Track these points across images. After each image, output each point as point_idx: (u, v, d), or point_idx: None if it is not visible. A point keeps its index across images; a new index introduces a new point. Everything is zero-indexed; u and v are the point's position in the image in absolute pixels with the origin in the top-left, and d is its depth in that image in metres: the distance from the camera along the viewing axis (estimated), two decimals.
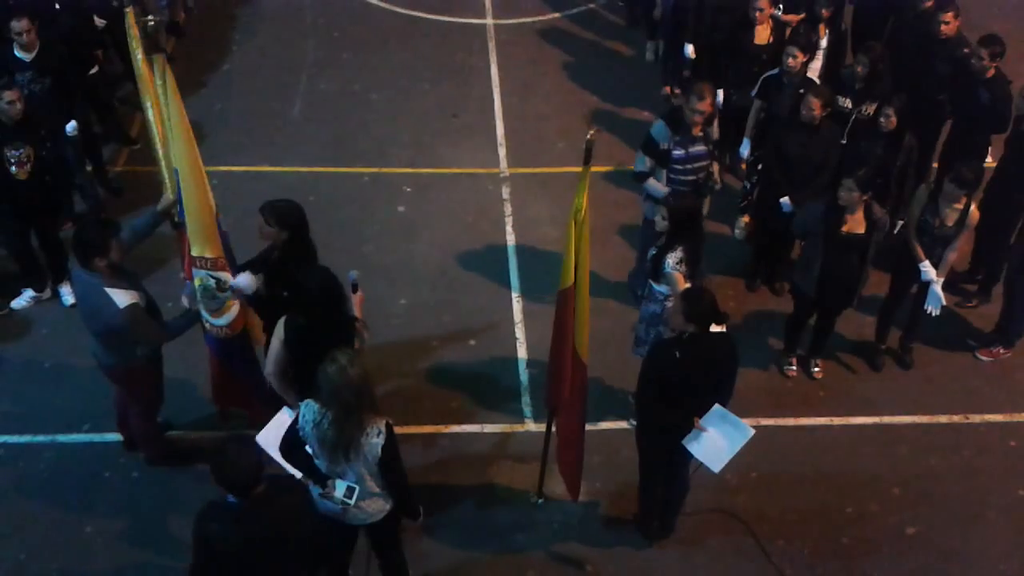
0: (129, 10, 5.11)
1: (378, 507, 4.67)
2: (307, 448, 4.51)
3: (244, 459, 4.07)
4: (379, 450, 4.39)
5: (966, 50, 7.22)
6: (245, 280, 5.16)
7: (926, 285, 6.42)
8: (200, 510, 4.20)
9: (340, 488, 4.49)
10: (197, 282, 5.31)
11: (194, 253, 5.24)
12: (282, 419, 5.00)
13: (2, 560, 5.53)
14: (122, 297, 4.98)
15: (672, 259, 5.65)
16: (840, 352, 6.97)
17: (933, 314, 6.46)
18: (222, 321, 5.44)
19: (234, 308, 5.43)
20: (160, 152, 5.35)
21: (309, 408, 4.42)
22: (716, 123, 6.64)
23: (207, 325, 5.49)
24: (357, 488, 4.50)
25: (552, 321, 5.19)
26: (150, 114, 5.31)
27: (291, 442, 4.53)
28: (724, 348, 5.06)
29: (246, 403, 5.78)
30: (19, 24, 6.76)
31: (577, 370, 5.20)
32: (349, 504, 4.51)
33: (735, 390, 5.20)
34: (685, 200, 5.72)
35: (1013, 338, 6.94)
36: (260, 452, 4.29)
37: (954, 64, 7.28)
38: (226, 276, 5.26)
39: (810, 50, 7.46)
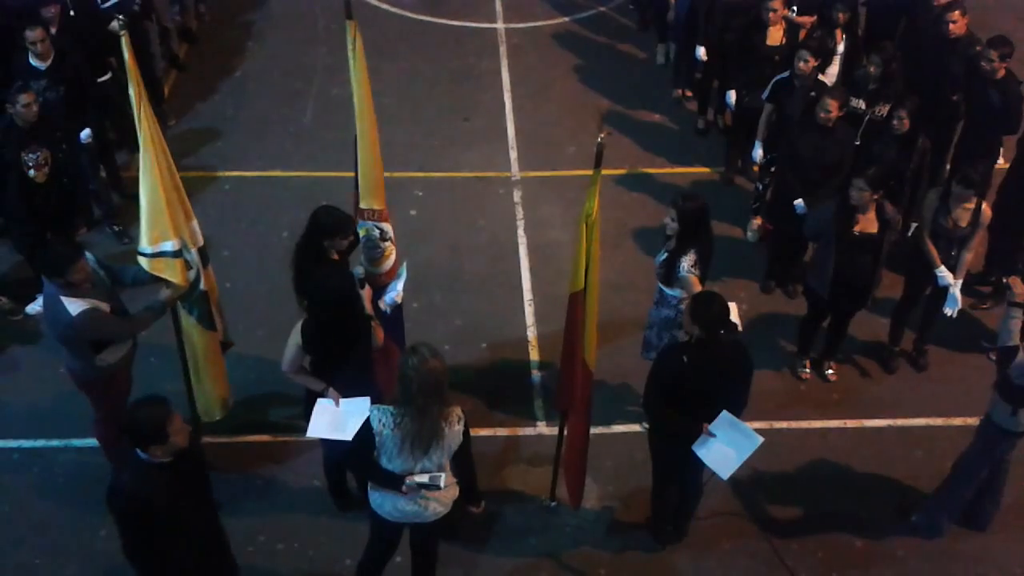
0: (124, 34, 5.11)
1: (452, 495, 4.74)
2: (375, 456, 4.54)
3: (152, 414, 4.24)
4: (461, 436, 4.51)
5: (978, 48, 7.19)
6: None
7: (942, 288, 6.39)
8: (120, 481, 4.31)
9: (425, 476, 4.50)
10: (362, 232, 5.62)
11: (362, 206, 5.58)
12: (323, 406, 5.10)
13: (17, 564, 5.57)
14: (75, 305, 5.05)
15: (687, 262, 5.62)
16: (854, 354, 6.94)
17: (951, 316, 6.42)
18: (381, 269, 5.74)
19: (391, 256, 5.76)
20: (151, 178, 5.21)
21: (384, 412, 4.43)
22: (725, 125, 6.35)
23: (363, 276, 5.69)
24: (443, 474, 4.52)
25: (564, 324, 5.19)
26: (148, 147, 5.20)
27: (363, 451, 4.55)
28: (735, 356, 5.02)
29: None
30: (33, 33, 6.82)
31: (584, 376, 5.19)
32: (440, 487, 4.52)
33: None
34: (694, 201, 5.69)
35: None
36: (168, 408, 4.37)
37: (966, 63, 7.25)
38: (388, 227, 5.66)
39: (824, 55, 7.44)
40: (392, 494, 4.62)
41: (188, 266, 5.39)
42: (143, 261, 5.29)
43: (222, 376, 5.96)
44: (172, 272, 5.28)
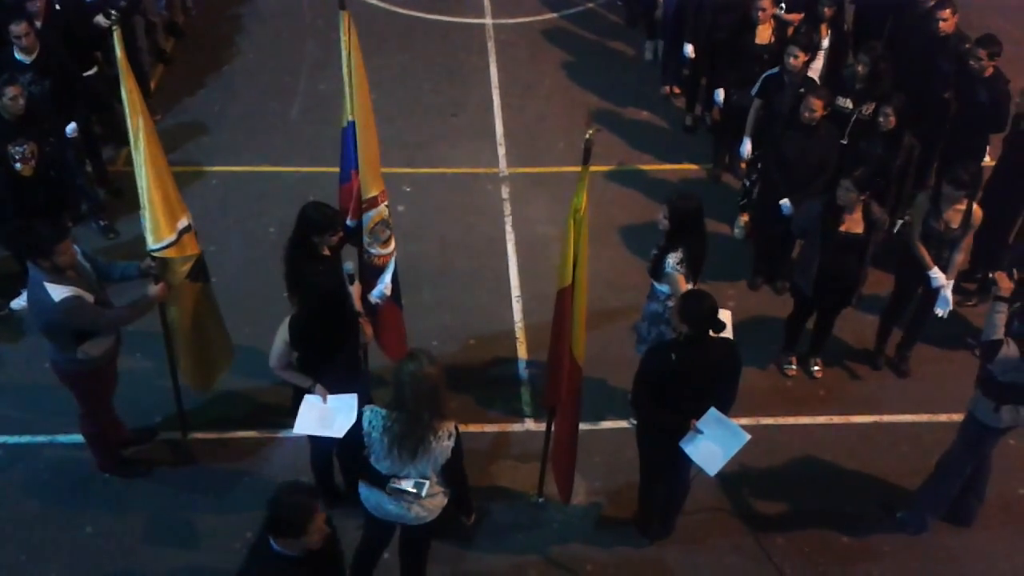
0: (116, 30, 5.09)
1: (438, 503, 4.72)
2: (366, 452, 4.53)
3: (302, 504, 3.89)
4: (449, 452, 4.48)
5: (967, 46, 7.22)
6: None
7: (934, 289, 6.40)
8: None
9: (410, 482, 4.51)
10: (377, 218, 5.68)
11: (373, 193, 5.65)
12: (310, 403, 5.10)
13: (2, 561, 5.53)
14: (59, 291, 5.02)
15: (673, 259, 5.64)
16: (840, 352, 6.97)
17: (942, 317, 6.45)
18: (389, 249, 5.82)
19: (392, 235, 5.88)
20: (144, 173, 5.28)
21: (375, 414, 4.44)
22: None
23: (376, 260, 5.75)
24: (426, 483, 4.53)
25: (552, 320, 5.19)
26: (140, 136, 5.20)
27: (352, 446, 4.58)
28: (723, 353, 5.03)
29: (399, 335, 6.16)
30: (18, 27, 6.78)
31: (572, 372, 5.19)
32: (421, 496, 4.53)
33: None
34: (688, 200, 5.70)
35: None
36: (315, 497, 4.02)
37: (956, 61, 7.28)
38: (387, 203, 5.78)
39: (811, 50, 7.46)
40: (377, 492, 4.63)
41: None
42: (163, 252, 5.33)
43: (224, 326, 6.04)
44: (192, 245, 5.49)
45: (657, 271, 5.76)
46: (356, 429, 4.50)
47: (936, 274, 6.31)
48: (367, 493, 4.72)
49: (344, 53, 5.35)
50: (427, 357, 4.36)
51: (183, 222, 5.43)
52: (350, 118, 5.55)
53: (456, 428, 4.52)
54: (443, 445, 4.47)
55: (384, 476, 4.52)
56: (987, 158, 7.50)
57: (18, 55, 6.88)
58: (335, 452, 5.45)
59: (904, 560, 5.77)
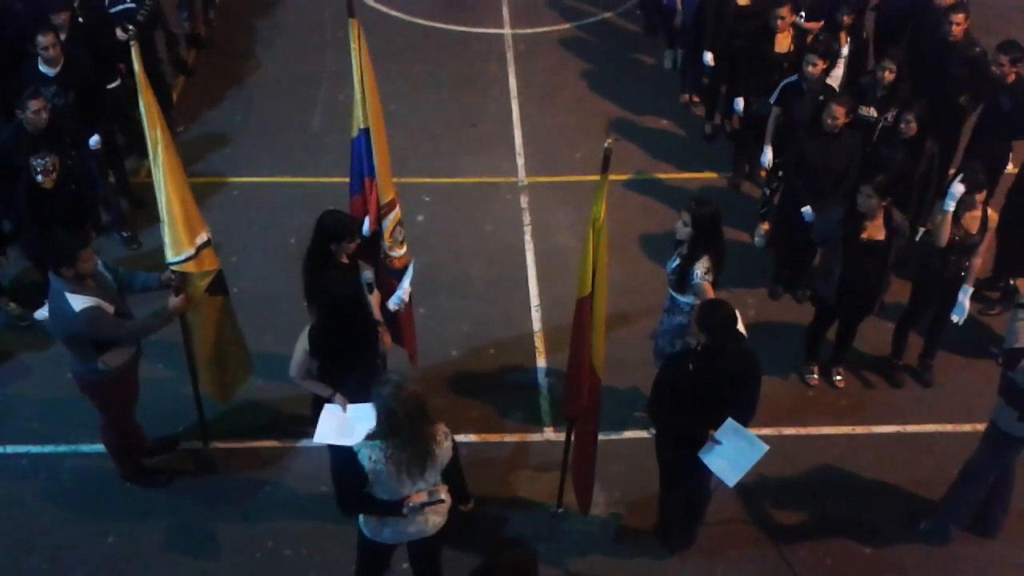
0: (134, 44, 5.14)
1: (447, 504, 4.73)
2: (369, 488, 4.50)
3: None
4: (451, 451, 4.54)
5: (977, 49, 7.17)
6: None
7: (951, 298, 6.35)
8: None
9: (424, 494, 4.51)
10: (395, 220, 5.76)
11: (390, 197, 5.72)
12: (330, 412, 5.13)
13: (25, 570, 5.57)
14: (80, 301, 5.06)
15: (700, 269, 5.59)
16: (862, 361, 6.92)
17: (958, 323, 6.40)
18: (405, 249, 5.89)
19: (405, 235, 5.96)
20: (163, 187, 5.35)
21: (373, 448, 4.38)
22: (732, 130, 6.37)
23: (396, 262, 5.80)
24: (441, 488, 4.57)
25: (571, 329, 5.18)
26: (159, 150, 5.26)
27: (354, 488, 4.52)
28: (742, 363, 4.99)
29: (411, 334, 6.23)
30: (45, 39, 6.84)
31: (591, 383, 5.17)
32: (444, 501, 4.56)
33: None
34: (708, 206, 5.63)
35: None
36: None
37: (969, 66, 7.23)
38: None
39: (830, 57, 7.42)
40: (393, 520, 4.60)
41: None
42: (182, 265, 5.36)
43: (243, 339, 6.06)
44: (211, 260, 5.51)
45: (683, 283, 5.70)
46: (357, 469, 4.40)
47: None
48: (379, 526, 4.66)
49: (354, 61, 5.37)
50: (399, 375, 4.40)
51: (202, 237, 5.47)
52: (361, 126, 5.57)
53: (445, 426, 4.55)
54: (444, 448, 4.50)
55: (396, 503, 4.50)
56: (1010, 165, 7.44)
57: (43, 68, 6.95)
58: (340, 507, 5.38)
59: (927, 571, 5.71)
